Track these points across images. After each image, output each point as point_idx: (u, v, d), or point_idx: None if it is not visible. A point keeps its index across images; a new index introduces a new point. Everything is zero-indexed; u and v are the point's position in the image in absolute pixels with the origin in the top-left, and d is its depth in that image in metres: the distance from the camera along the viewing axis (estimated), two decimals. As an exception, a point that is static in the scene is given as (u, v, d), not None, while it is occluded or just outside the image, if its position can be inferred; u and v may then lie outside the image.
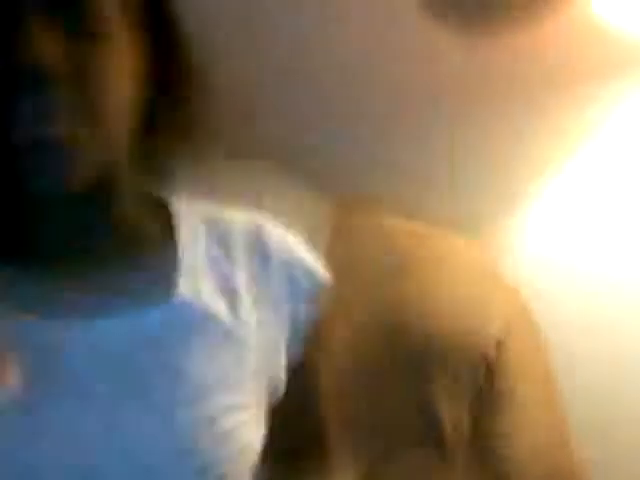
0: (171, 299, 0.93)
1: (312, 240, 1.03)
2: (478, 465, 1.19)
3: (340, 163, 1.45)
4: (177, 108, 0.97)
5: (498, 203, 1.51)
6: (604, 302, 1.48)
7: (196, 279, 0.95)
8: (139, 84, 0.93)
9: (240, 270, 0.98)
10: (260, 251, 1.00)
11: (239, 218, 1.01)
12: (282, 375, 0.97)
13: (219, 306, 0.95)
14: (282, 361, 0.97)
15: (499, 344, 1.23)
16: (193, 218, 1.00)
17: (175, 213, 0.99)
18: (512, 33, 1.45)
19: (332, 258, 1.31)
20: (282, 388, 0.96)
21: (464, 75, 1.48)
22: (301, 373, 0.99)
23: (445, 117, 1.50)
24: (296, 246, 1.01)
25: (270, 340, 0.97)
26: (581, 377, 1.45)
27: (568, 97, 1.48)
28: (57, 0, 0.86)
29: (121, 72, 0.91)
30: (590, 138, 1.47)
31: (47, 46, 0.85)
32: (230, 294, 0.96)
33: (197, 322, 0.94)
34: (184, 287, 0.94)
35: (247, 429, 0.92)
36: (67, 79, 0.86)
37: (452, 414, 1.21)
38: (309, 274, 1.00)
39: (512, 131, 1.49)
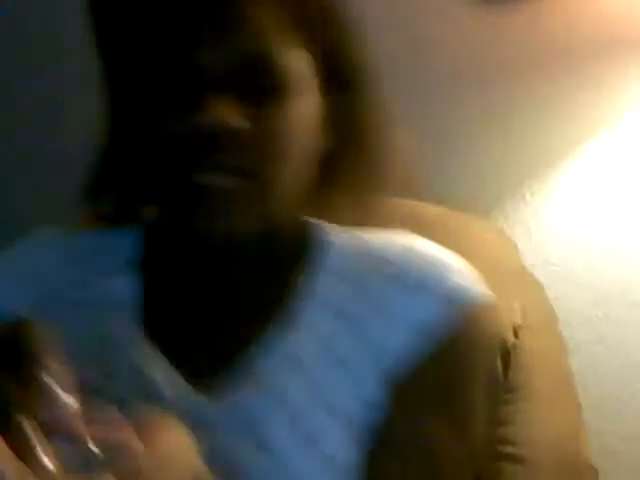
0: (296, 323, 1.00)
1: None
2: (492, 449, 1.18)
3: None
4: (357, 160, 1.03)
5: (513, 185, 1.50)
6: (622, 288, 1.47)
7: (319, 306, 1.01)
8: (318, 136, 0.99)
9: (366, 297, 1.01)
10: (394, 275, 1.01)
11: (384, 238, 1.05)
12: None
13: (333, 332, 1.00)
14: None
15: (516, 330, 1.24)
16: (338, 243, 1.05)
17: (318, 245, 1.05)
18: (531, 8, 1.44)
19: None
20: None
21: (478, 53, 1.47)
22: None
23: (455, 97, 1.49)
24: (431, 273, 1.01)
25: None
26: (595, 367, 1.44)
27: (589, 77, 1.47)
28: (240, 67, 0.94)
29: (300, 127, 0.97)
30: (612, 119, 1.46)
31: (226, 111, 0.93)
32: (346, 319, 1.00)
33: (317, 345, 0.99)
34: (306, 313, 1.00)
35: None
36: (243, 140, 0.94)
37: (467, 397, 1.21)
38: (429, 308, 0.99)
39: (530, 111, 1.47)
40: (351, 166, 1.03)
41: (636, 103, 1.47)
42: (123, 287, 1.06)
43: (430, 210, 1.34)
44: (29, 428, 0.66)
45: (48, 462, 0.65)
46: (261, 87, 0.95)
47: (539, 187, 1.52)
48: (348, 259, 1.04)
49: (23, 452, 0.64)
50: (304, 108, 0.97)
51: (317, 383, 0.97)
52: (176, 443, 0.76)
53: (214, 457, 0.80)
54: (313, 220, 1.08)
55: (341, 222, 1.07)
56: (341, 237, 1.06)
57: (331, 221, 1.08)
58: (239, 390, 0.97)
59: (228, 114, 0.93)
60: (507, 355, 1.21)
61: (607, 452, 1.38)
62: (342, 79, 1.01)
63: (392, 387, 0.98)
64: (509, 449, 1.17)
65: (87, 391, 0.87)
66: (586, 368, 1.39)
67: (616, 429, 1.52)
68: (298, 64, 0.96)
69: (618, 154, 1.50)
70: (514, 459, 1.17)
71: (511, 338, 1.22)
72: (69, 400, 0.70)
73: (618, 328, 1.51)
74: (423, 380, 0.98)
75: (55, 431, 0.68)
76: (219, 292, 1.03)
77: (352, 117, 1.02)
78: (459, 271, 1.02)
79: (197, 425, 0.88)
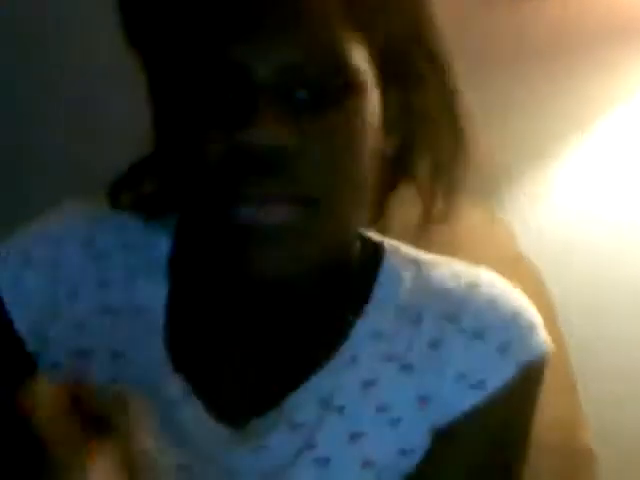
0: (334, 360, 0.91)
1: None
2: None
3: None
4: (427, 158, 0.92)
5: (511, 175, 1.50)
6: (622, 280, 1.47)
7: (365, 342, 0.91)
8: (383, 140, 0.86)
9: (420, 337, 0.91)
10: (454, 315, 0.91)
11: (451, 271, 0.95)
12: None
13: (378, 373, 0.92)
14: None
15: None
16: (397, 271, 0.94)
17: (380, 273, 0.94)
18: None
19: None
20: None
21: (478, 42, 1.47)
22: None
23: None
24: (503, 322, 0.92)
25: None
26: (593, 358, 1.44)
27: (587, 67, 1.47)
28: (299, 68, 0.79)
29: (366, 137, 0.83)
30: (610, 108, 1.46)
31: (277, 125, 0.78)
32: (396, 361, 0.91)
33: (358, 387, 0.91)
34: (351, 349, 0.91)
35: None
36: (302, 161, 0.80)
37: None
38: (494, 360, 0.91)
39: (529, 100, 1.47)
40: (423, 167, 0.92)
41: (633, 93, 1.47)
42: (148, 296, 0.95)
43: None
44: None
45: None
46: (324, 93, 0.80)
47: (537, 177, 1.51)
48: (405, 291, 0.93)
49: None
50: (370, 113, 0.83)
51: (354, 429, 0.90)
52: None
53: None
54: (370, 235, 0.96)
55: (407, 230, 0.96)
56: (401, 262, 0.95)
57: (395, 230, 0.97)
58: (269, 434, 0.89)
59: (283, 129, 0.78)
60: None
61: (607, 447, 1.37)
62: (413, 71, 0.88)
63: (436, 437, 0.91)
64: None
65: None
66: (584, 356, 1.38)
67: (616, 426, 1.51)
68: (364, 59, 0.82)
69: (617, 143, 1.50)
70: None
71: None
72: None
73: (618, 321, 1.51)
74: (469, 433, 0.91)
75: None
76: (257, 324, 0.92)
77: (425, 113, 0.90)
78: (524, 319, 0.93)
79: (223, 469, 0.86)
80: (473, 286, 0.93)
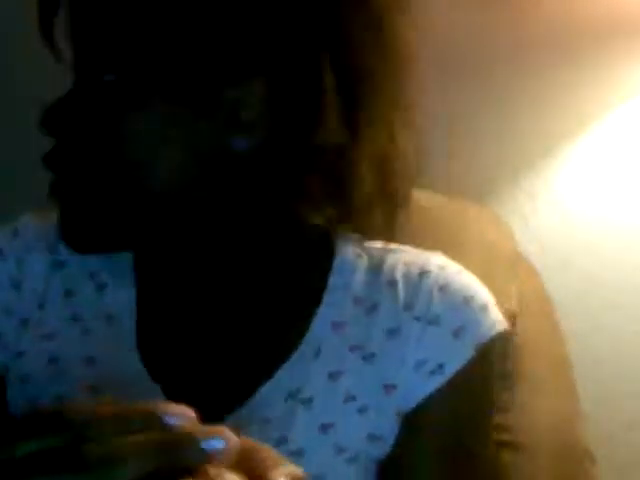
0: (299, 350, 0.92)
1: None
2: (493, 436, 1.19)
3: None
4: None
5: (509, 172, 1.50)
6: (619, 276, 1.47)
7: (326, 333, 0.92)
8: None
9: (377, 326, 0.92)
10: (408, 303, 0.92)
11: (403, 260, 0.95)
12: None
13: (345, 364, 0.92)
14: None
15: (512, 316, 1.22)
16: (351, 261, 0.95)
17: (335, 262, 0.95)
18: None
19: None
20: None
21: (474, 39, 1.47)
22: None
23: (451, 84, 1.48)
24: (459, 307, 0.92)
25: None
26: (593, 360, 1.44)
27: (587, 64, 1.46)
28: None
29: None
30: (609, 106, 1.46)
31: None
32: (358, 351, 0.92)
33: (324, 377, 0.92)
34: (313, 342, 0.92)
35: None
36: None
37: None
38: (451, 345, 0.91)
39: (527, 97, 1.47)
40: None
41: (633, 92, 1.47)
42: (117, 303, 0.96)
43: (425, 196, 1.34)
44: None
45: None
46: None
47: (535, 174, 1.51)
48: (360, 282, 0.95)
49: None
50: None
51: (324, 420, 0.91)
52: None
53: None
54: (325, 228, 0.95)
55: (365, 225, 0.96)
56: (354, 251, 0.97)
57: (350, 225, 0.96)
58: (241, 431, 0.90)
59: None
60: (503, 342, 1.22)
61: (604, 439, 1.37)
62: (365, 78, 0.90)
63: (404, 422, 0.93)
64: (506, 436, 1.17)
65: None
66: (583, 356, 1.38)
67: (613, 417, 1.51)
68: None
69: (615, 141, 1.50)
70: (512, 446, 1.17)
71: (507, 324, 1.22)
72: None
73: (615, 316, 1.51)
74: (435, 417, 0.92)
75: None
76: (220, 320, 0.93)
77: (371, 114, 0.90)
78: (476, 302, 0.94)
79: None
80: (424, 273, 0.94)
